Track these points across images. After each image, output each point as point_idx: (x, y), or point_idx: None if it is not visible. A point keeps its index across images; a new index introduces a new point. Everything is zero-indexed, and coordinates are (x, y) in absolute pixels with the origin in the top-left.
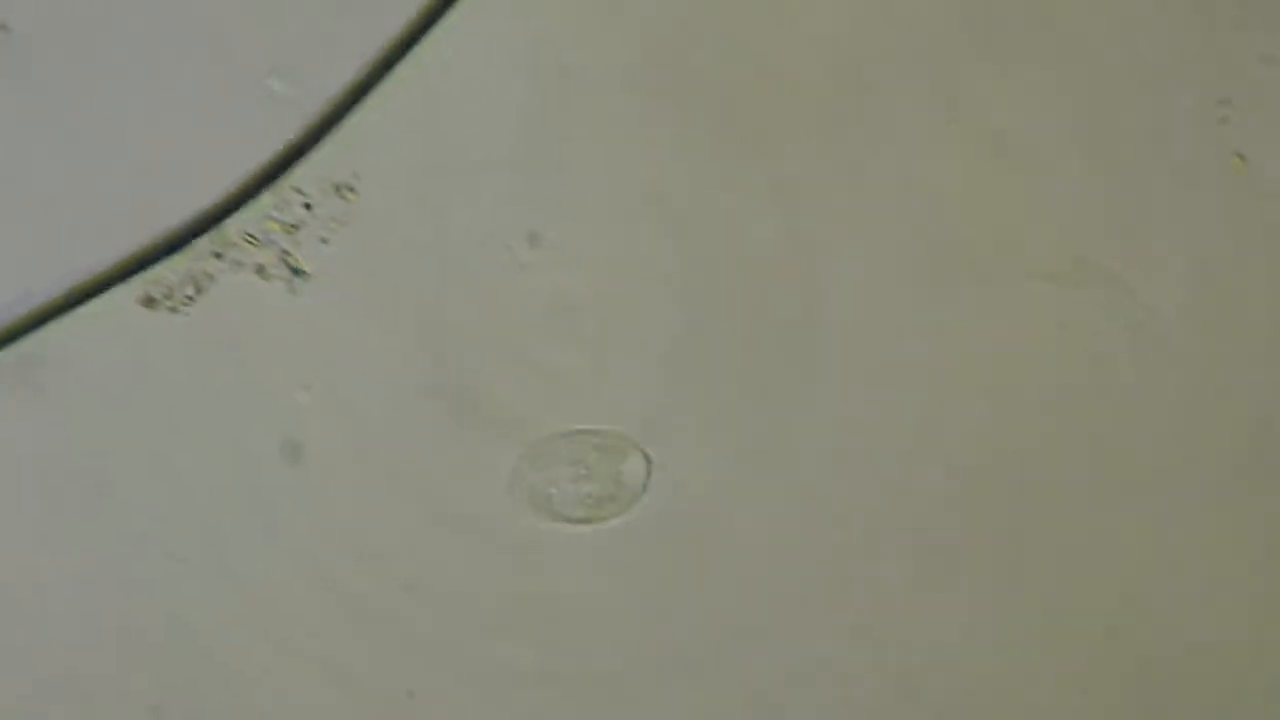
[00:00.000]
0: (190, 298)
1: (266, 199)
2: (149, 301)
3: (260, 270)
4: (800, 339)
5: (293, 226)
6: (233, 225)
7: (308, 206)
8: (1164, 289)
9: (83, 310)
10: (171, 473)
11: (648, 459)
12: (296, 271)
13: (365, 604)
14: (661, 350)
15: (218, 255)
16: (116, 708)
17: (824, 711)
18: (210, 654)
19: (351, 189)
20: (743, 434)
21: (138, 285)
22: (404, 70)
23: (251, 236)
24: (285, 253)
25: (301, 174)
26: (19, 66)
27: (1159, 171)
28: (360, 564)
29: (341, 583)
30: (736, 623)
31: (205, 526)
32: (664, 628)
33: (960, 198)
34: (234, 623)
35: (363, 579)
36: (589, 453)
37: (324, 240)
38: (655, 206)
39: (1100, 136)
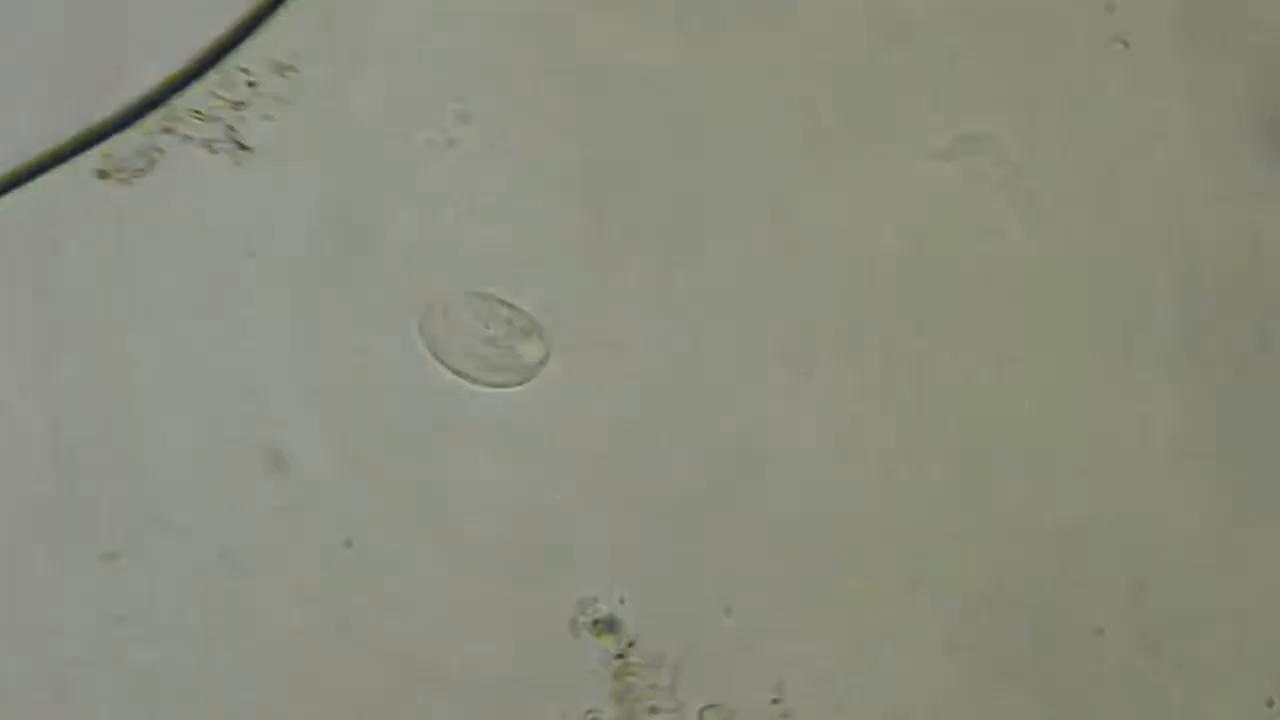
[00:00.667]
0: (141, 170)
1: (213, 77)
2: (102, 175)
3: (208, 145)
4: (696, 207)
5: (238, 104)
6: (181, 102)
7: (252, 85)
8: (1048, 162)
9: (38, 182)
10: (122, 330)
11: (546, 348)
12: (241, 146)
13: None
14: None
15: (167, 130)
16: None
17: None
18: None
19: (293, 68)
20: (645, 304)
21: (93, 158)
22: None
23: (199, 113)
24: (230, 128)
25: (246, 54)
26: None
27: (1049, 56)
28: (295, 403)
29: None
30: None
31: (154, 374)
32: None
33: (861, 79)
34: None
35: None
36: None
37: (267, 117)
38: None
39: (994, 23)
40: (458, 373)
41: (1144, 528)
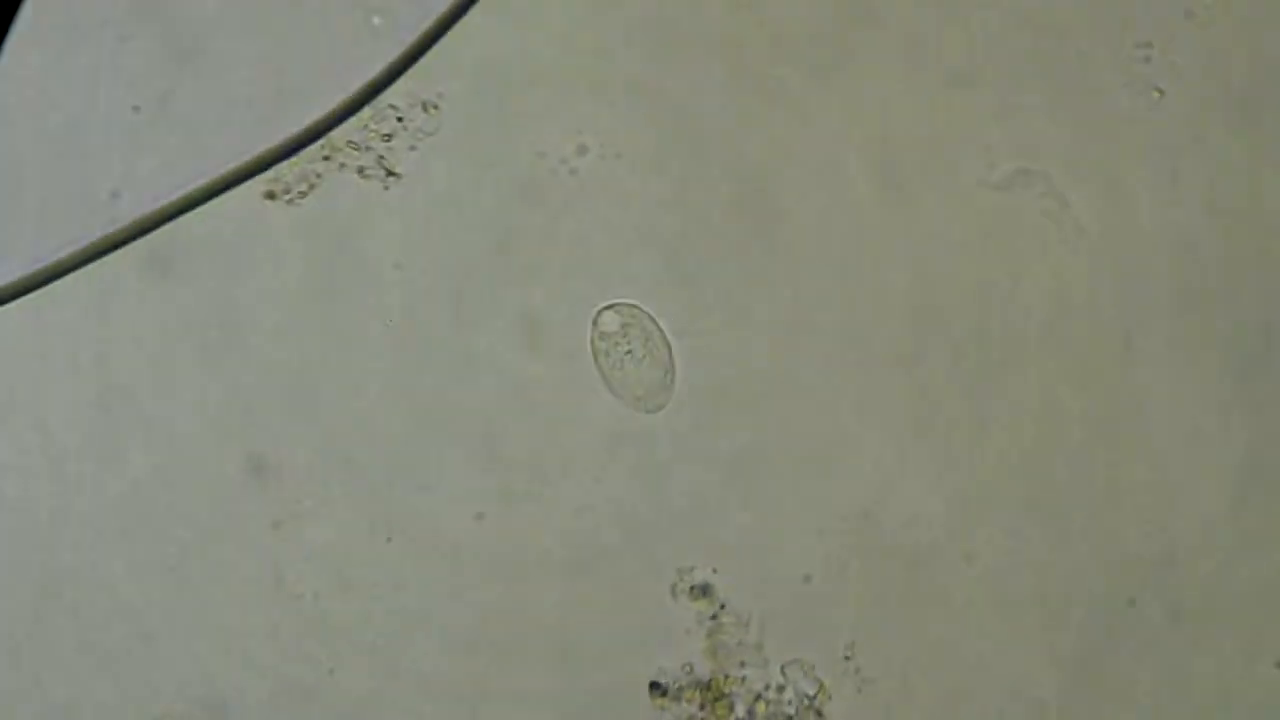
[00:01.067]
0: (304, 193)
1: (367, 113)
2: (270, 195)
3: (361, 171)
4: (771, 236)
5: (388, 136)
6: (339, 134)
7: (400, 120)
8: (1090, 195)
9: (216, 202)
10: (285, 335)
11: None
12: (390, 173)
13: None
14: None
15: (326, 158)
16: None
17: None
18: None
19: (436, 106)
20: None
21: (262, 183)
22: (475, 13)
23: (354, 143)
24: (381, 157)
25: (396, 93)
26: (170, 8)
27: (1092, 98)
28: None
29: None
30: None
31: (313, 375)
32: None
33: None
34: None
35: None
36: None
37: (413, 148)
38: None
39: (1044, 67)
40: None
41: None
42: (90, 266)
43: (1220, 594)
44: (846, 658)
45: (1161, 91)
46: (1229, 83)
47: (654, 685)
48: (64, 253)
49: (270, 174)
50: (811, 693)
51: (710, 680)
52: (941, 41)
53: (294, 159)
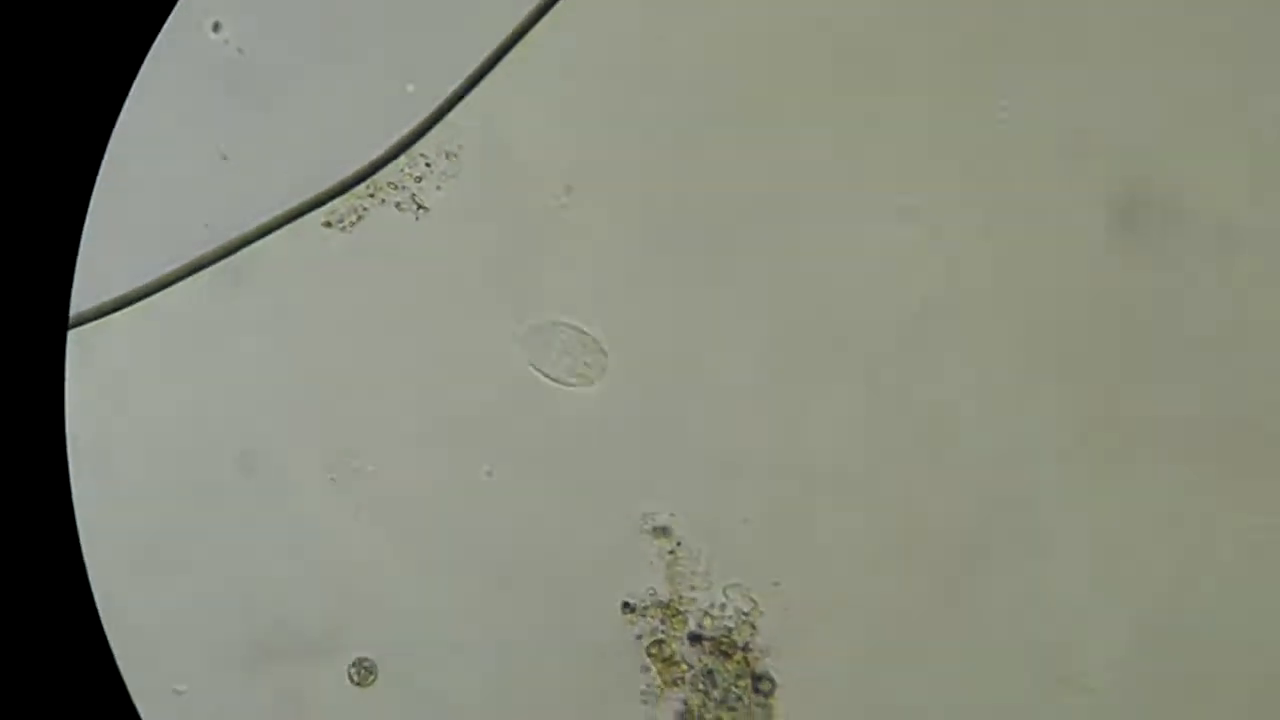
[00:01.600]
0: (353, 222)
1: (403, 160)
2: (327, 224)
3: (398, 205)
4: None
5: (419, 178)
6: (381, 176)
7: (429, 165)
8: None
9: (283, 230)
10: (336, 340)
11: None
12: (421, 207)
13: None
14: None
15: (371, 195)
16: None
17: None
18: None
19: (457, 155)
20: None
21: (321, 214)
22: (490, 81)
23: (393, 184)
24: (414, 195)
25: (425, 144)
26: (251, 80)
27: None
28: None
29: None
30: None
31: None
32: None
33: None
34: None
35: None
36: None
37: (439, 188)
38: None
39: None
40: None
41: None
42: (187, 280)
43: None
44: (775, 584)
45: None
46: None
47: (625, 605)
48: (167, 269)
49: (327, 208)
50: (746, 610)
51: (669, 600)
52: None
53: (346, 196)
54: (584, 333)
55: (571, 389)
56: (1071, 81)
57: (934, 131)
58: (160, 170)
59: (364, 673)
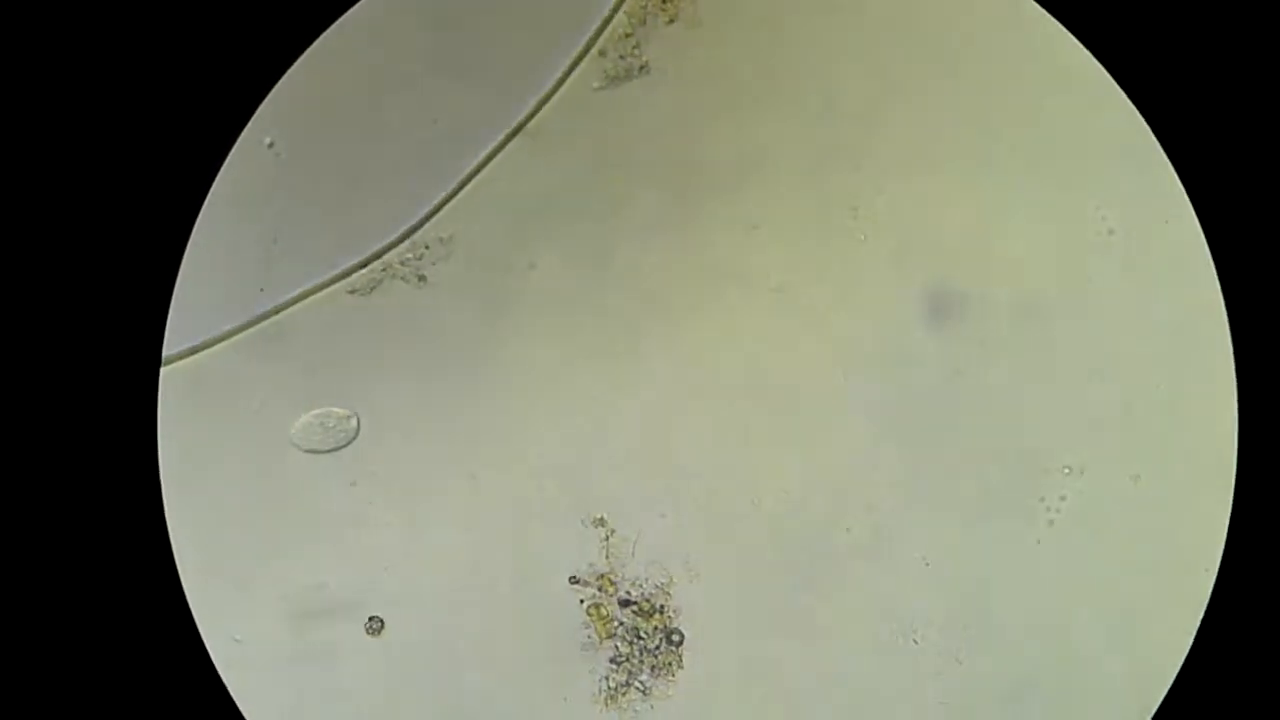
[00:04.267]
0: (369, 290)
1: (405, 246)
2: (352, 291)
3: (404, 278)
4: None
5: (419, 258)
6: (391, 256)
7: (427, 247)
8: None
9: (311, 299)
10: (368, 380)
11: None
12: (422, 279)
13: None
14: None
15: (384, 270)
16: None
17: None
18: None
19: (451, 240)
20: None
21: (345, 285)
22: (475, 184)
23: (402, 263)
24: (419, 270)
25: (424, 234)
26: (286, 178)
27: None
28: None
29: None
30: None
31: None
32: None
33: None
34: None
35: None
36: None
37: (434, 264)
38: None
39: None
40: None
41: None
42: (240, 335)
43: None
44: (686, 563)
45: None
46: None
47: (572, 578)
48: (227, 326)
49: (350, 279)
50: (663, 581)
51: (604, 572)
52: None
53: (364, 270)
54: None
55: None
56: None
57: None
58: (223, 249)
59: (374, 625)
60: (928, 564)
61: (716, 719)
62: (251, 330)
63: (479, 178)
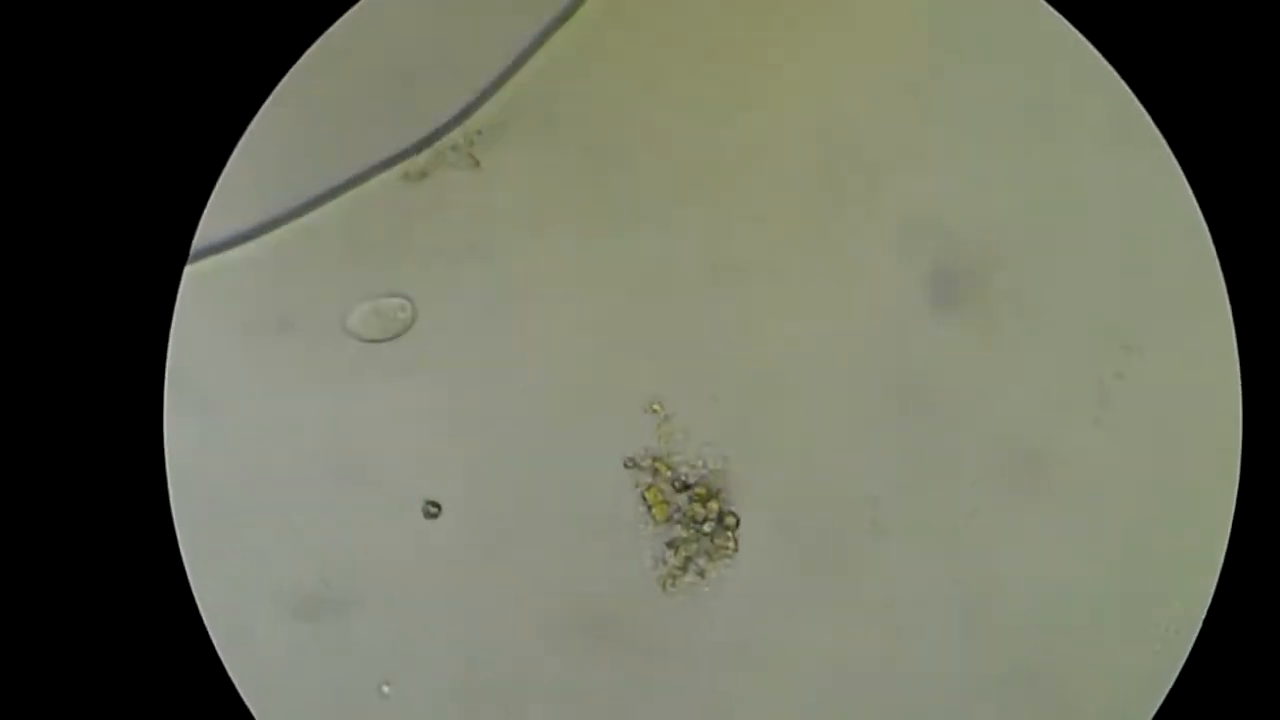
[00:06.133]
0: (422, 175)
1: (458, 130)
2: (405, 176)
3: (457, 164)
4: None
5: (470, 144)
6: (443, 142)
7: (479, 132)
8: None
9: (364, 185)
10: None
11: None
12: (476, 161)
13: None
14: None
15: (437, 155)
16: None
17: None
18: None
19: (504, 124)
20: None
21: (398, 170)
22: (530, 67)
23: (453, 148)
24: (472, 154)
25: (478, 118)
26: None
27: None
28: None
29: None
30: None
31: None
32: None
33: None
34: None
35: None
36: None
37: (488, 149)
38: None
39: None
40: None
41: None
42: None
43: None
44: (742, 446)
45: None
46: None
47: (627, 460)
48: (279, 214)
49: (404, 164)
50: (719, 466)
51: (660, 455)
52: None
53: (417, 155)
54: None
55: None
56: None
57: None
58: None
59: (433, 510)
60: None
61: (774, 601)
62: (303, 220)
63: (534, 60)
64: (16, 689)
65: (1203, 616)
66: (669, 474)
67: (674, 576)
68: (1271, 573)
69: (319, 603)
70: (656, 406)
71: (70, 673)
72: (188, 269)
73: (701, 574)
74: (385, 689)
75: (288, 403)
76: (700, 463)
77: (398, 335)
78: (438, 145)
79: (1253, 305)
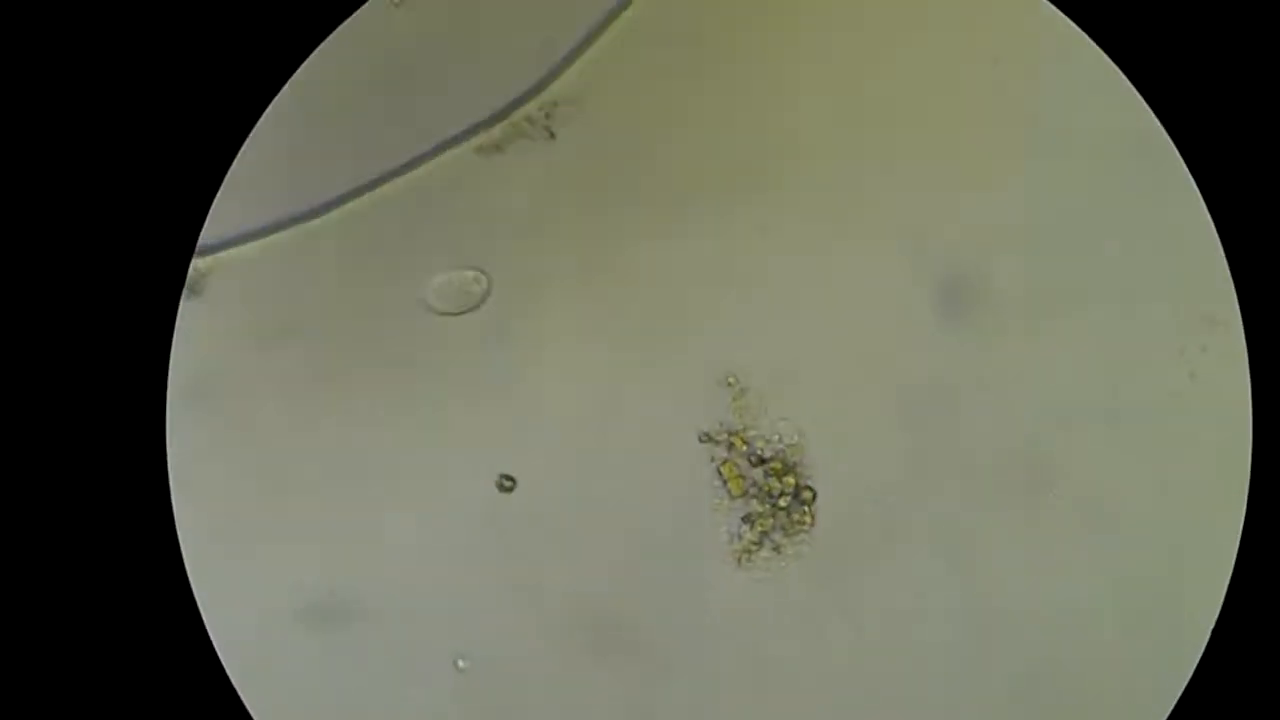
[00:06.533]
0: (498, 148)
1: (534, 103)
2: (479, 150)
3: (533, 136)
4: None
5: (547, 116)
6: (519, 114)
7: (555, 104)
8: None
9: (439, 158)
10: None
11: None
12: (552, 134)
13: None
14: None
15: (512, 127)
16: None
17: None
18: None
19: (580, 98)
20: None
21: (472, 144)
22: (604, 40)
23: (529, 120)
24: (548, 127)
25: (553, 90)
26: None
27: None
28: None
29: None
30: None
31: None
32: None
33: None
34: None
35: None
36: None
37: (565, 123)
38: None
39: None
40: None
41: None
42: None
43: None
44: (817, 421)
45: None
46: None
47: (702, 435)
48: (351, 188)
49: (479, 137)
50: (795, 440)
51: (735, 430)
52: None
53: (493, 128)
54: None
55: None
56: None
57: None
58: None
59: (507, 483)
60: None
61: (851, 576)
62: (375, 193)
63: (608, 33)
64: (20, 695)
65: (1212, 624)
66: (744, 449)
67: (749, 552)
68: None
69: (324, 610)
70: (732, 379)
71: (73, 679)
72: (194, 262)
73: (777, 549)
74: (461, 663)
75: (294, 406)
76: (776, 437)
77: (474, 309)
78: (513, 117)
79: (1262, 312)
